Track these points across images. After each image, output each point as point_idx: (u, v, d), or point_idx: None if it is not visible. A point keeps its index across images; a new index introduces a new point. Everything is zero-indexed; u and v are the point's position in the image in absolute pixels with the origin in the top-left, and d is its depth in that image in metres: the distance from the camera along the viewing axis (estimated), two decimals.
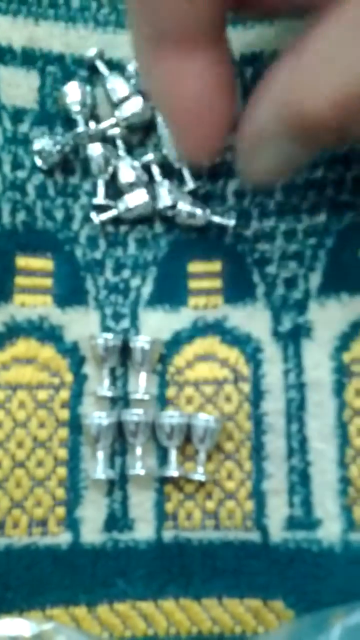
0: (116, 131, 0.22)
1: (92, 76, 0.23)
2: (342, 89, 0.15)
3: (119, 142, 0.22)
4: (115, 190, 0.22)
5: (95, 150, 0.21)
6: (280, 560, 0.20)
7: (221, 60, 0.17)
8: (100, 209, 0.22)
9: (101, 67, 0.22)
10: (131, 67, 0.22)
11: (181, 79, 0.17)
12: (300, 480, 0.20)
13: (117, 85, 0.22)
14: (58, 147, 0.21)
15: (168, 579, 0.20)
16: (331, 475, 0.20)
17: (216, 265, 0.22)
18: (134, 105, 0.22)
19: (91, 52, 0.22)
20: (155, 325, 0.22)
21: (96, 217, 0.22)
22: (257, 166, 0.18)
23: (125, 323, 0.22)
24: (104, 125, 0.22)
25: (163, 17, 0.16)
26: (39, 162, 0.22)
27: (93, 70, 0.23)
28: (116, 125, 0.22)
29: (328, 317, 0.21)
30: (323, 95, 0.15)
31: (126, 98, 0.22)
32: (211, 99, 0.17)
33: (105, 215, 0.22)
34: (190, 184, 0.22)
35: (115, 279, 0.22)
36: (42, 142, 0.21)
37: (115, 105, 0.22)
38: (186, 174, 0.22)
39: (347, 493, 0.20)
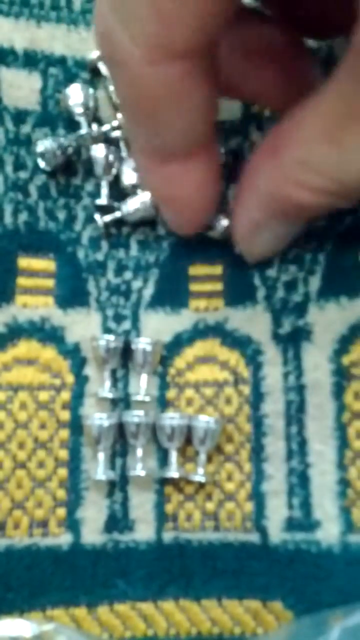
0: (119, 133, 0.22)
1: (94, 78, 0.23)
2: (320, 187, 0.16)
3: (122, 144, 0.22)
4: (118, 191, 0.22)
5: (99, 151, 0.21)
6: (279, 561, 0.20)
7: (213, 158, 0.18)
8: (104, 210, 0.22)
9: (103, 68, 0.23)
10: None
11: (177, 183, 0.18)
12: (300, 482, 0.21)
13: None
14: (61, 149, 0.21)
15: (168, 579, 0.20)
16: (330, 477, 0.20)
17: (217, 268, 0.22)
18: None
19: (93, 54, 0.23)
20: (156, 327, 0.22)
21: (100, 219, 0.22)
22: (256, 249, 0.20)
23: (126, 325, 0.22)
24: (106, 127, 0.22)
25: (161, 137, 0.17)
26: (42, 164, 0.22)
27: (95, 72, 0.23)
28: (119, 127, 0.22)
29: (327, 320, 0.21)
30: (305, 190, 0.16)
31: None
32: (204, 194, 0.19)
33: (108, 217, 0.22)
34: None
35: (117, 280, 0.22)
36: (45, 144, 0.21)
37: (117, 106, 0.22)
38: None
39: (346, 495, 0.20)
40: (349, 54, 0.14)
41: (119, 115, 0.22)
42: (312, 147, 0.16)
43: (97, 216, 0.22)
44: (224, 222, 0.21)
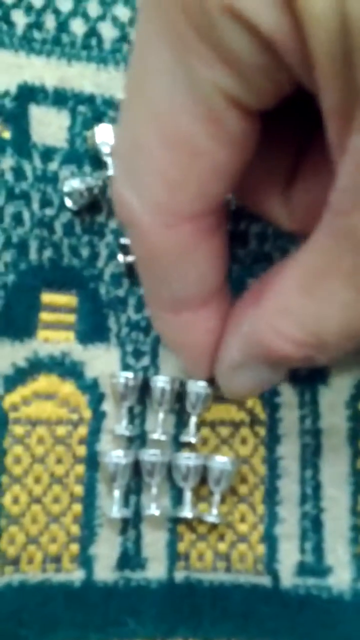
0: None
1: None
2: (298, 338, 0.16)
3: None
4: None
5: None
6: (290, 605, 0.20)
7: (224, 304, 0.19)
8: (126, 248, 0.22)
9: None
10: None
11: (189, 331, 0.19)
12: (313, 527, 0.21)
13: None
14: (87, 189, 0.22)
15: (178, 619, 0.20)
16: (343, 523, 0.21)
17: None
18: None
19: (121, 93, 0.23)
20: (175, 364, 0.22)
21: (122, 259, 0.22)
22: (234, 388, 0.20)
23: (145, 361, 0.22)
24: None
25: (174, 291, 0.18)
26: (68, 203, 0.22)
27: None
28: None
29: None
30: (284, 340, 0.16)
31: None
32: (216, 339, 0.19)
33: (131, 257, 0.22)
34: None
35: (137, 316, 0.22)
36: (72, 184, 0.22)
37: None
38: None
39: (359, 541, 0.20)
40: (326, 212, 0.14)
41: None
42: (291, 298, 0.16)
43: (120, 256, 0.22)
44: None
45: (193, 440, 0.21)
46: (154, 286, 0.18)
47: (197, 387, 0.21)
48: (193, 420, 0.21)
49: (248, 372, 0.19)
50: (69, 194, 0.22)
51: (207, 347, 0.19)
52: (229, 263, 0.19)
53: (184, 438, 0.21)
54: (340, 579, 0.20)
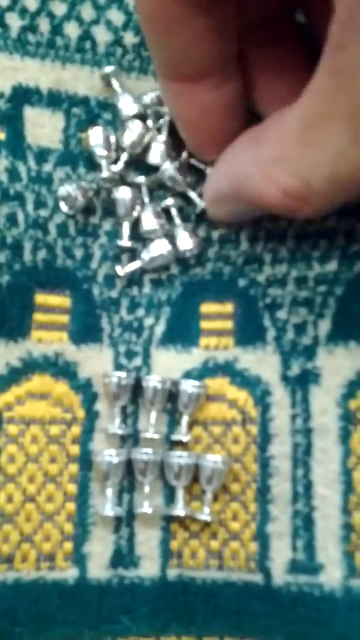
0: (142, 179, 0.23)
1: (115, 120, 0.24)
2: (288, 186, 0.17)
3: (144, 189, 0.23)
4: (137, 233, 0.23)
5: (123, 194, 0.22)
6: (281, 603, 0.21)
7: (223, 88, 0.20)
8: (123, 250, 0.23)
9: (115, 84, 0.23)
10: (147, 98, 0.23)
11: (185, 102, 0.20)
12: (304, 525, 0.21)
13: (126, 104, 0.23)
14: (82, 193, 0.22)
15: (171, 617, 0.21)
16: (334, 522, 0.21)
17: (228, 307, 0.23)
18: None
19: (108, 69, 0.23)
20: (167, 364, 0.22)
21: (121, 270, 0.22)
22: (219, 215, 0.22)
23: (137, 361, 0.22)
24: (119, 167, 0.23)
25: (167, 55, 0.19)
26: (64, 207, 0.23)
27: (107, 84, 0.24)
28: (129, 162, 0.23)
29: (336, 364, 0.22)
30: (274, 187, 0.17)
31: (134, 116, 0.23)
32: (210, 119, 0.20)
33: (129, 268, 0.22)
34: (200, 205, 0.23)
35: (130, 317, 0.23)
36: (67, 189, 0.22)
37: (123, 121, 0.23)
38: (193, 195, 0.23)
39: (350, 540, 0.21)
40: (325, 48, 0.15)
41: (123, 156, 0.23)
42: (287, 146, 0.17)
43: (118, 268, 0.22)
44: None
45: (185, 439, 0.21)
46: (151, 49, 0.20)
47: (189, 386, 0.21)
48: (185, 419, 0.22)
49: (231, 205, 0.20)
50: (65, 198, 0.22)
51: (200, 123, 0.20)
52: (232, 53, 0.20)
53: (176, 437, 0.21)
54: (331, 577, 0.21)
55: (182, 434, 0.22)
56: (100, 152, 0.23)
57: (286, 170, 0.17)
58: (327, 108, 0.15)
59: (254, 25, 0.20)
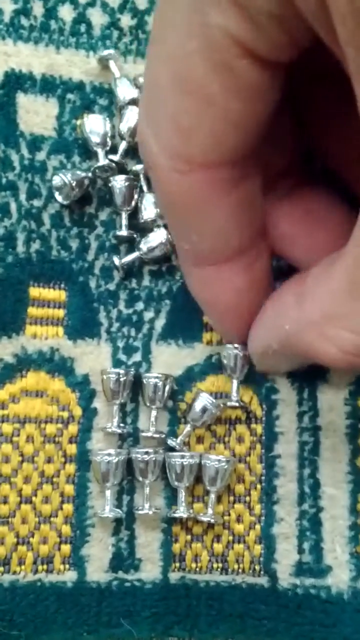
0: (140, 167, 0.22)
1: (111, 106, 0.23)
2: (348, 344, 0.15)
3: (142, 177, 0.22)
4: (135, 223, 0.22)
5: (120, 182, 0.21)
6: (287, 606, 0.20)
7: (252, 267, 0.19)
8: (121, 241, 0.22)
9: (113, 67, 0.23)
10: (142, 79, 0.23)
11: (212, 288, 0.19)
12: (311, 526, 0.20)
13: (124, 88, 0.23)
14: (77, 182, 0.21)
15: (174, 621, 0.20)
16: (342, 522, 0.20)
17: None
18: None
19: (106, 52, 0.23)
20: (168, 359, 0.22)
21: (118, 261, 0.22)
22: (271, 368, 0.21)
23: (137, 357, 0.22)
24: (117, 156, 0.22)
25: (192, 240, 0.18)
26: (59, 197, 0.22)
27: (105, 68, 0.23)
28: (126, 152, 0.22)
29: None
30: (331, 345, 0.16)
31: (132, 101, 0.22)
32: (240, 302, 0.19)
33: (127, 259, 0.22)
34: None
35: (129, 311, 0.22)
36: (62, 178, 0.21)
37: (120, 108, 0.23)
38: None
39: (358, 541, 0.20)
40: None
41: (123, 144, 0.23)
42: (337, 301, 0.15)
43: (115, 259, 0.22)
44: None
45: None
46: (175, 236, 0.18)
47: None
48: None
49: (283, 360, 0.19)
50: (59, 189, 0.22)
51: (234, 307, 0.19)
52: (262, 224, 0.18)
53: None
54: (339, 579, 0.20)
55: (184, 435, 0.21)
56: (95, 139, 0.22)
57: (342, 327, 0.15)
58: None
59: (277, 178, 0.19)
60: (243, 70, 0.14)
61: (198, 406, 0.21)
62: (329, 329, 0.16)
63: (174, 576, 0.20)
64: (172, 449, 0.21)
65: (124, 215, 0.22)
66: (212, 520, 0.20)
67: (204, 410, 0.20)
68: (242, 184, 0.17)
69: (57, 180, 0.22)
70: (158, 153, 0.16)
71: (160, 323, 0.22)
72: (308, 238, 0.19)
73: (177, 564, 0.20)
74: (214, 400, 0.21)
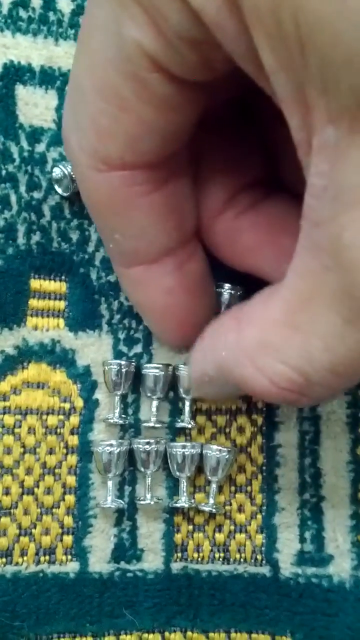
0: None
1: None
2: (281, 375, 0.15)
3: None
4: None
5: None
6: (289, 595, 0.20)
7: (183, 268, 0.19)
8: None
9: None
10: None
11: (142, 289, 0.19)
12: (312, 515, 0.21)
13: None
14: None
15: (176, 611, 0.20)
16: (344, 511, 0.21)
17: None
18: None
19: None
20: (169, 351, 0.22)
21: None
22: (207, 395, 0.20)
23: (138, 348, 0.22)
24: None
25: (116, 240, 0.18)
26: (59, 189, 0.22)
27: None
28: None
29: None
30: (264, 376, 0.15)
31: None
32: (172, 303, 0.19)
33: None
34: None
35: (130, 302, 0.22)
36: (62, 170, 0.22)
37: None
38: None
39: (359, 529, 0.20)
40: (302, 225, 0.14)
41: None
42: (274, 330, 0.15)
43: None
44: None
45: (189, 425, 0.21)
46: (101, 235, 0.19)
47: (188, 370, 0.21)
48: (187, 404, 0.21)
49: (219, 386, 0.18)
50: (59, 180, 0.22)
51: (165, 308, 0.19)
52: (192, 225, 0.19)
53: (180, 424, 0.21)
54: (340, 568, 0.20)
55: (185, 421, 0.21)
56: None
57: (274, 358, 0.15)
58: (313, 290, 0.14)
59: (241, 191, 0.19)
60: (154, 83, 0.14)
61: (183, 378, 0.21)
62: (261, 359, 0.15)
63: (176, 566, 0.21)
64: (174, 439, 0.21)
65: None
66: (214, 510, 0.21)
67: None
68: (165, 186, 0.17)
69: (57, 172, 0.22)
70: (79, 151, 0.16)
71: None
72: (274, 246, 0.19)
73: (179, 554, 0.21)
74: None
